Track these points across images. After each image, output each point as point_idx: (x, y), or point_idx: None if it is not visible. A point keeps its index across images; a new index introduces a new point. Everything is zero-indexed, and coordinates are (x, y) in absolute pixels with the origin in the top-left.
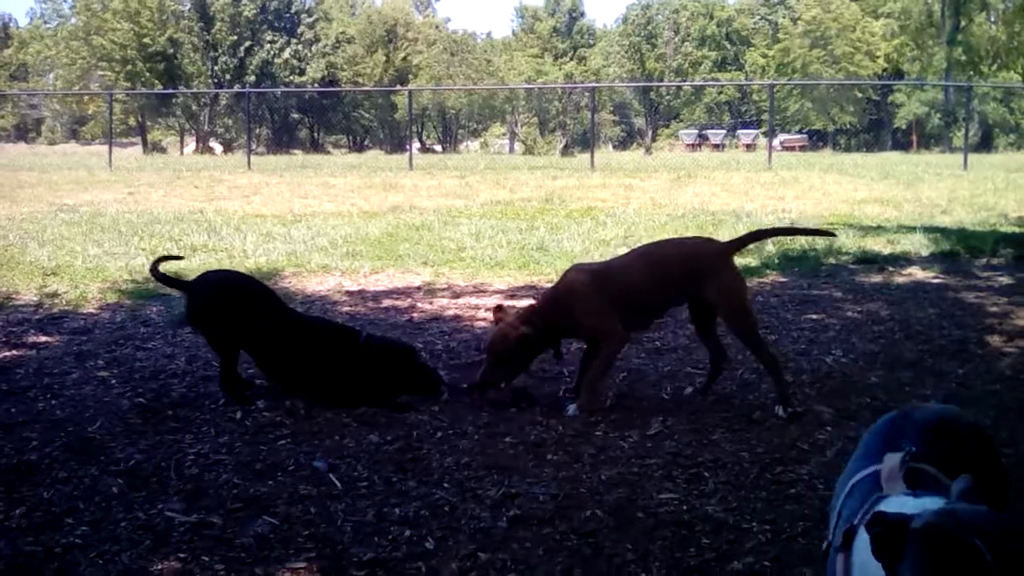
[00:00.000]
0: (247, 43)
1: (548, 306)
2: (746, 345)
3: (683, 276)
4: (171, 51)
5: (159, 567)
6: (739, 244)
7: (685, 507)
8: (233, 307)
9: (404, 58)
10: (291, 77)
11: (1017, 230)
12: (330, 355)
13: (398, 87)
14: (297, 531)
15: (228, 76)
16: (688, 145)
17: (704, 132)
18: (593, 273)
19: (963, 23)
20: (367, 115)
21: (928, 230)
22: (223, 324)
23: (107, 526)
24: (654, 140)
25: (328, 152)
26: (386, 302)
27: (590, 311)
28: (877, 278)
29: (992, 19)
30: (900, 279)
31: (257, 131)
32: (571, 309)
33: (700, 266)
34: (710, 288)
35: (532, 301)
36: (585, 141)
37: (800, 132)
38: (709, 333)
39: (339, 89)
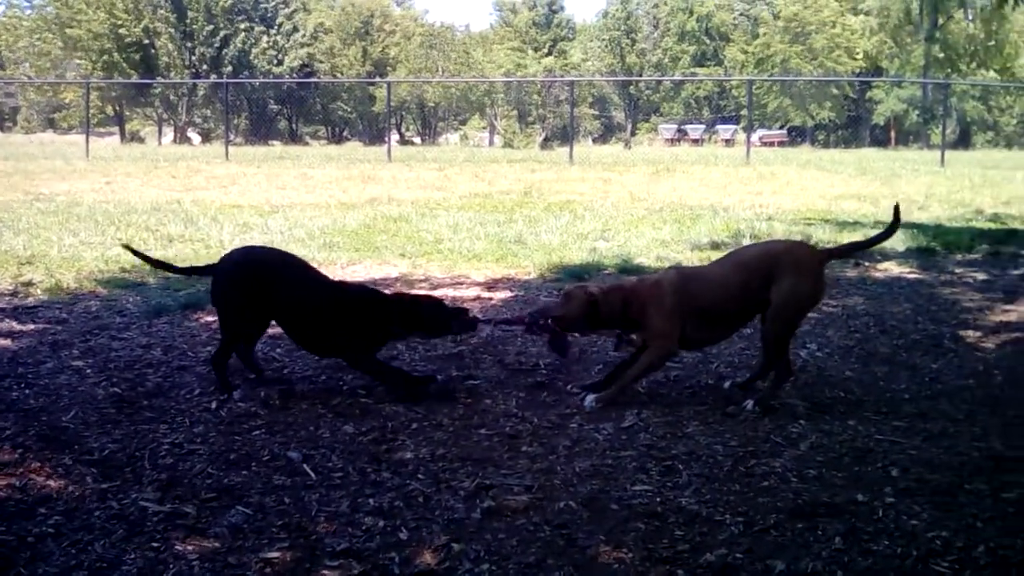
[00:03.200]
0: (223, 33)
1: (629, 292)
2: (767, 347)
3: (763, 277)
4: (147, 41)
5: (132, 556)
6: (838, 253)
7: (659, 499)
8: (258, 284)
9: (382, 50)
10: (269, 68)
11: (993, 226)
12: (362, 318)
13: (377, 79)
14: (271, 521)
15: (205, 66)
16: (667, 139)
17: (683, 127)
18: (684, 276)
19: (941, 20)
20: (345, 107)
21: (904, 226)
22: (245, 303)
23: (80, 515)
24: (633, 134)
25: (306, 143)
26: None
27: (660, 310)
28: (853, 273)
29: (970, 17)
30: (876, 274)
31: (235, 121)
32: (645, 304)
33: (780, 266)
34: (780, 286)
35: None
36: (564, 134)
37: (779, 128)
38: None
39: (318, 80)
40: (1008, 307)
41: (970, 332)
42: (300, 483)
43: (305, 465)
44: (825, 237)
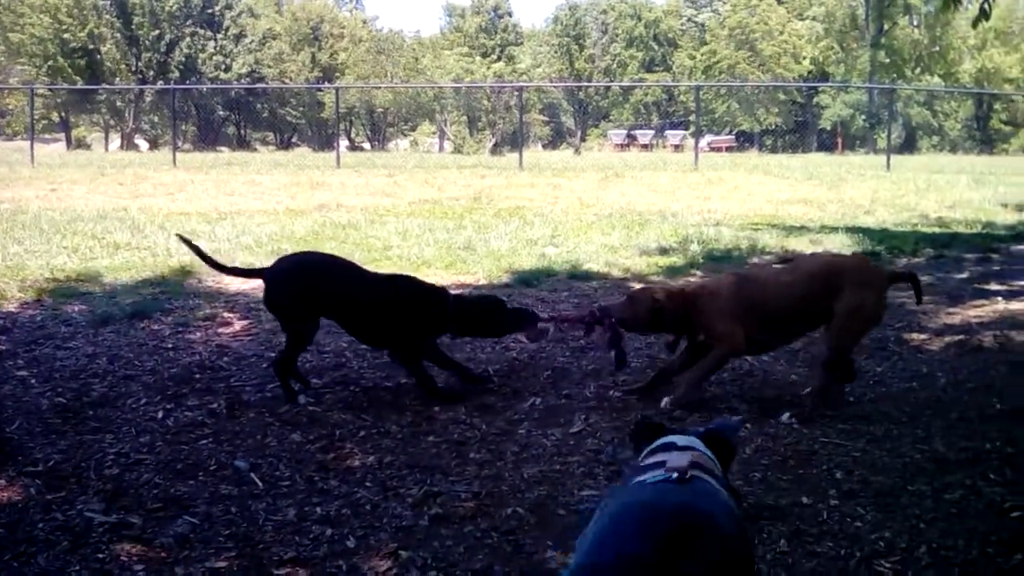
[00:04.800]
0: (169, 38)
1: (691, 297)
2: (828, 354)
3: (825, 287)
4: (92, 46)
5: (76, 568)
6: (898, 278)
7: None
8: (314, 287)
9: (331, 55)
10: (216, 73)
11: (938, 230)
12: (423, 314)
13: (325, 84)
14: (218, 530)
15: (152, 72)
16: (617, 145)
17: (633, 132)
18: (742, 278)
19: (887, 26)
20: (294, 112)
21: (850, 230)
22: (304, 307)
23: (24, 527)
24: (583, 140)
25: (255, 149)
26: None
27: (719, 313)
28: None
29: (915, 23)
30: None
31: (183, 128)
32: (704, 308)
33: (844, 278)
34: (844, 298)
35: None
36: (515, 140)
37: (727, 133)
38: None
39: (266, 86)
40: (952, 310)
41: (914, 335)
42: (247, 492)
43: (252, 474)
44: (772, 242)
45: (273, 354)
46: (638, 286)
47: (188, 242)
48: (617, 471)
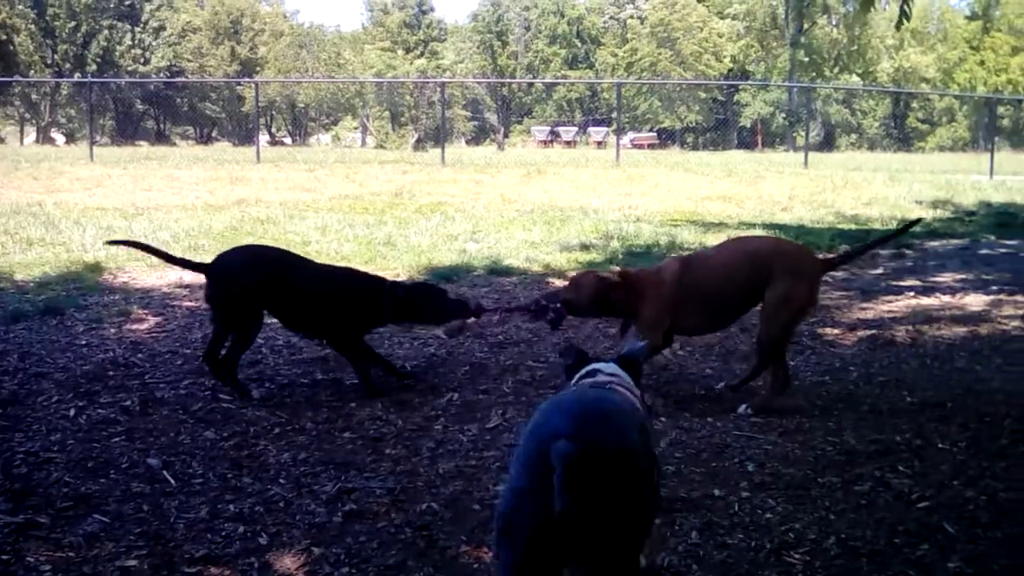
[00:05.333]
0: (86, 29)
1: (634, 280)
2: (763, 351)
3: (758, 269)
4: (4, 37)
5: None
6: (838, 261)
7: None
8: (260, 283)
9: (251, 49)
10: (135, 67)
11: (853, 227)
12: (361, 304)
13: (245, 79)
14: (128, 529)
15: (68, 64)
16: (540, 141)
17: (556, 129)
18: (685, 262)
19: (806, 25)
20: (214, 107)
21: (768, 226)
22: (248, 303)
23: None
24: (506, 136)
25: (174, 144)
26: None
27: (654, 301)
28: None
29: (834, 22)
30: None
31: (100, 122)
32: (643, 293)
33: (776, 263)
34: (774, 287)
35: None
36: (438, 136)
37: (649, 130)
38: None
39: (185, 80)
40: (865, 305)
41: (828, 329)
42: (159, 490)
43: (165, 472)
44: (691, 238)
45: (188, 351)
46: (558, 283)
47: (125, 242)
48: None
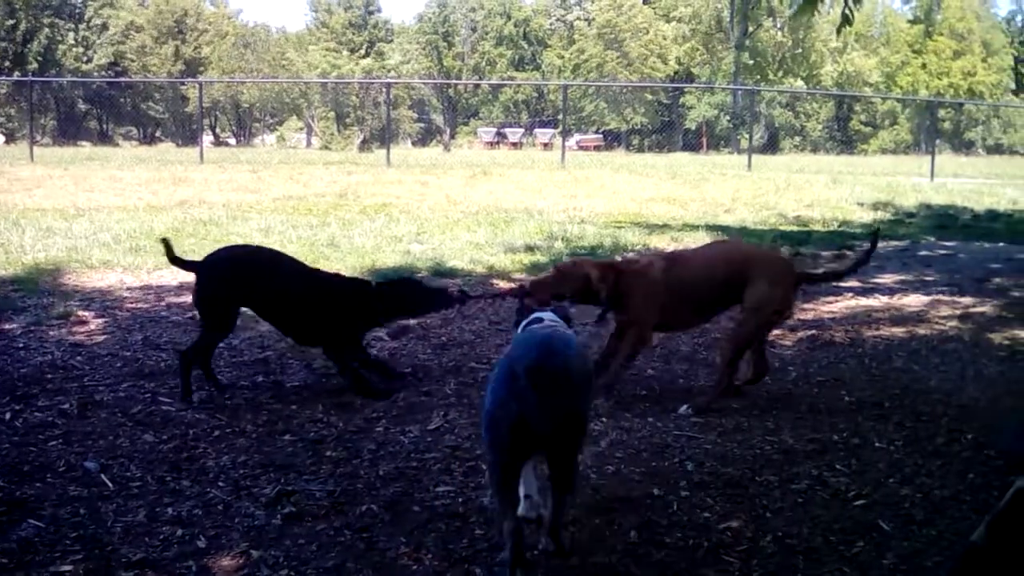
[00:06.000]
0: (26, 27)
1: (621, 272)
2: (720, 351)
3: (737, 275)
4: None
5: None
6: (815, 278)
7: (461, 499)
8: (243, 282)
9: (195, 49)
10: (77, 65)
11: (795, 228)
12: (347, 304)
13: (188, 79)
14: (64, 533)
15: (8, 62)
16: (487, 143)
17: (503, 130)
18: (671, 259)
19: (751, 29)
20: (157, 107)
21: (711, 228)
22: (228, 303)
23: None
24: (453, 137)
25: (117, 144)
26: (169, 299)
27: (644, 296)
28: None
29: (779, 26)
30: None
31: (42, 121)
32: (632, 287)
33: (753, 270)
34: (751, 290)
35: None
36: (384, 137)
37: (595, 132)
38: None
39: (128, 79)
40: (805, 306)
41: None
42: (97, 494)
43: (103, 475)
44: (635, 240)
45: (128, 353)
46: (503, 284)
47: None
48: (474, 467)
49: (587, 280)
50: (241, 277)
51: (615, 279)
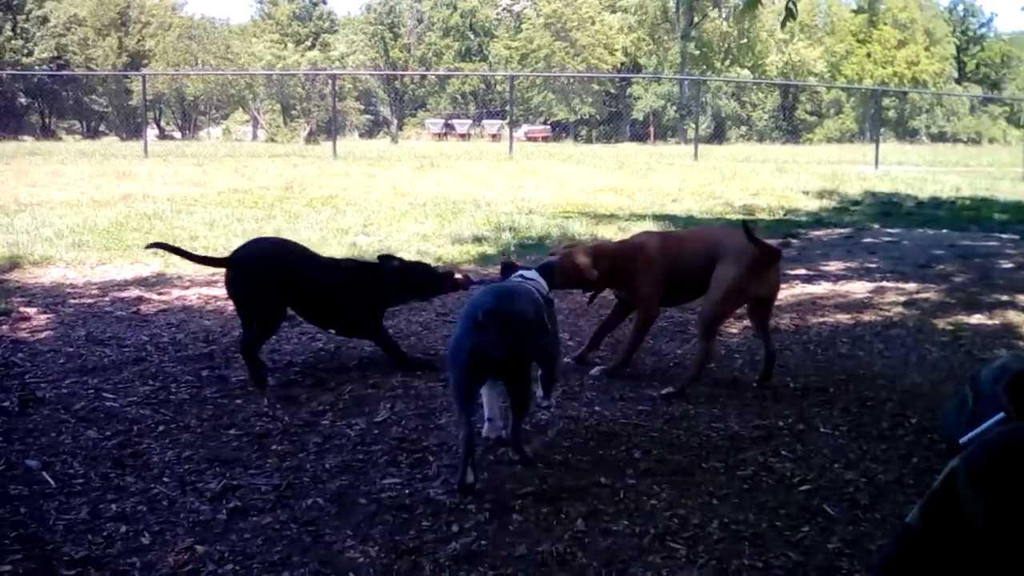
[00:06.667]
0: None
1: (618, 254)
2: (698, 331)
3: (708, 256)
4: None
5: None
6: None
7: (408, 491)
8: (278, 273)
9: (139, 41)
10: (17, 58)
11: (741, 217)
12: (366, 289)
13: (132, 71)
14: (4, 533)
15: None
16: (435, 134)
17: (450, 121)
18: (665, 237)
19: (697, 19)
20: (101, 100)
21: (658, 217)
22: (272, 293)
23: None
24: (400, 129)
25: (60, 139)
26: (112, 294)
27: (646, 274)
28: None
29: (724, 16)
30: None
31: None
32: (632, 267)
33: (719, 250)
34: (716, 272)
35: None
36: (330, 129)
37: (543, 123)
38: (761, 327)
39: (71, 72)
40: None
41: None
42: (38, 492)
43: (44, 473)
44: (582, 230)
45: (71, 349)
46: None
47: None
48: (420, 459)
49: (577, 264)
50: (278, 269)
51: (611, 261)
